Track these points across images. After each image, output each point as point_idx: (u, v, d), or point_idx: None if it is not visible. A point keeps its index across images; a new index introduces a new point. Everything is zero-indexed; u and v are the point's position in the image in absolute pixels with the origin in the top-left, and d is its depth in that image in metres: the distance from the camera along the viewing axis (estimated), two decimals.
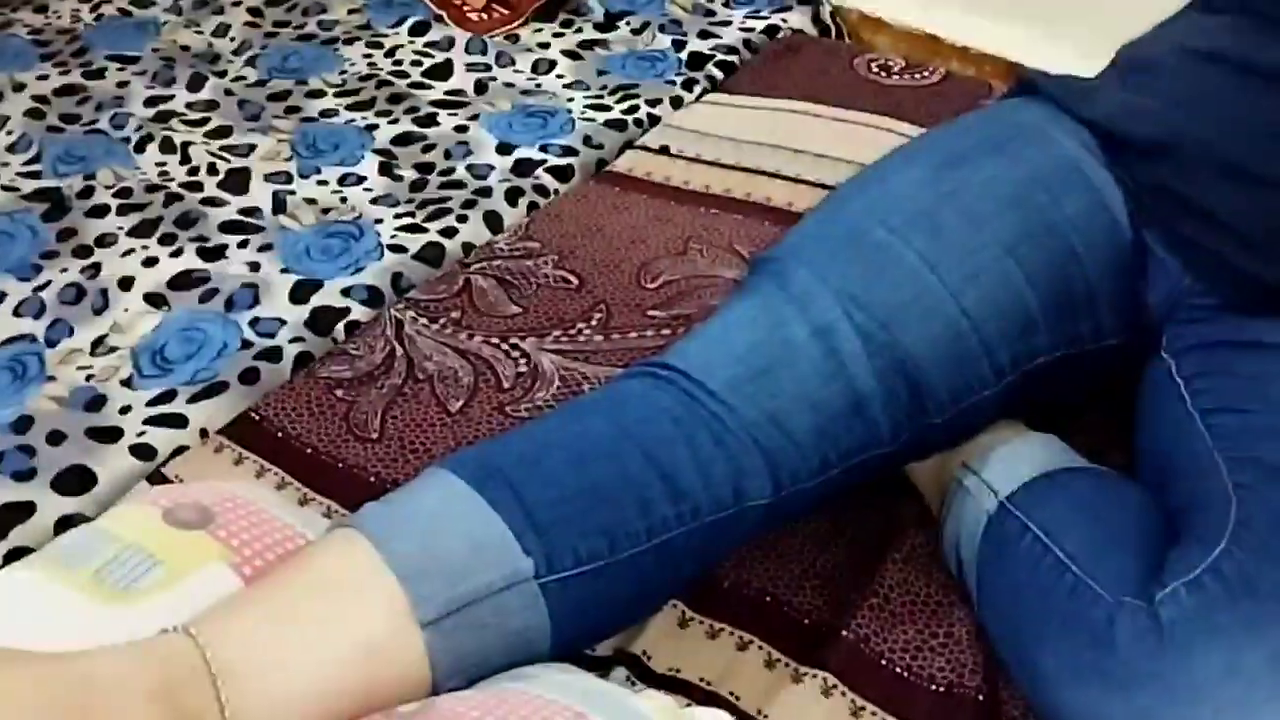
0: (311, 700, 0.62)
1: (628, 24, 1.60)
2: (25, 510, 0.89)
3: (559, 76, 1.50)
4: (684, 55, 1.52)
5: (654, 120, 1.39)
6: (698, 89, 1.45)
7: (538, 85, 1.48)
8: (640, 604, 0.76)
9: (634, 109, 1.40)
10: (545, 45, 1.57)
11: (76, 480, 0.92)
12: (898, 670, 0.77)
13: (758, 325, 0.78)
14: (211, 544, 0.70)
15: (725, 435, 0.74)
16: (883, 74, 1.46)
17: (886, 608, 0.81)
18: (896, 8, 1.69)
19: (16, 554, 0.86)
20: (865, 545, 0.87)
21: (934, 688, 0.76)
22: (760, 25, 1.58)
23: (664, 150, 1.33)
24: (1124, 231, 0.82)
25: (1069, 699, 0.68)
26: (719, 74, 1.48)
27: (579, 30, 1.60)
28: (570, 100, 1.43)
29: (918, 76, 1.45)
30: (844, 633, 0.79)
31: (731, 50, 1.52)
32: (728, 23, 1.59)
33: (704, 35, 1.56)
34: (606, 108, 1.41)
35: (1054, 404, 0.88)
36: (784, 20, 1.59)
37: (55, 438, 0.96)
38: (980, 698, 0.75)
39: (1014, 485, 0.79)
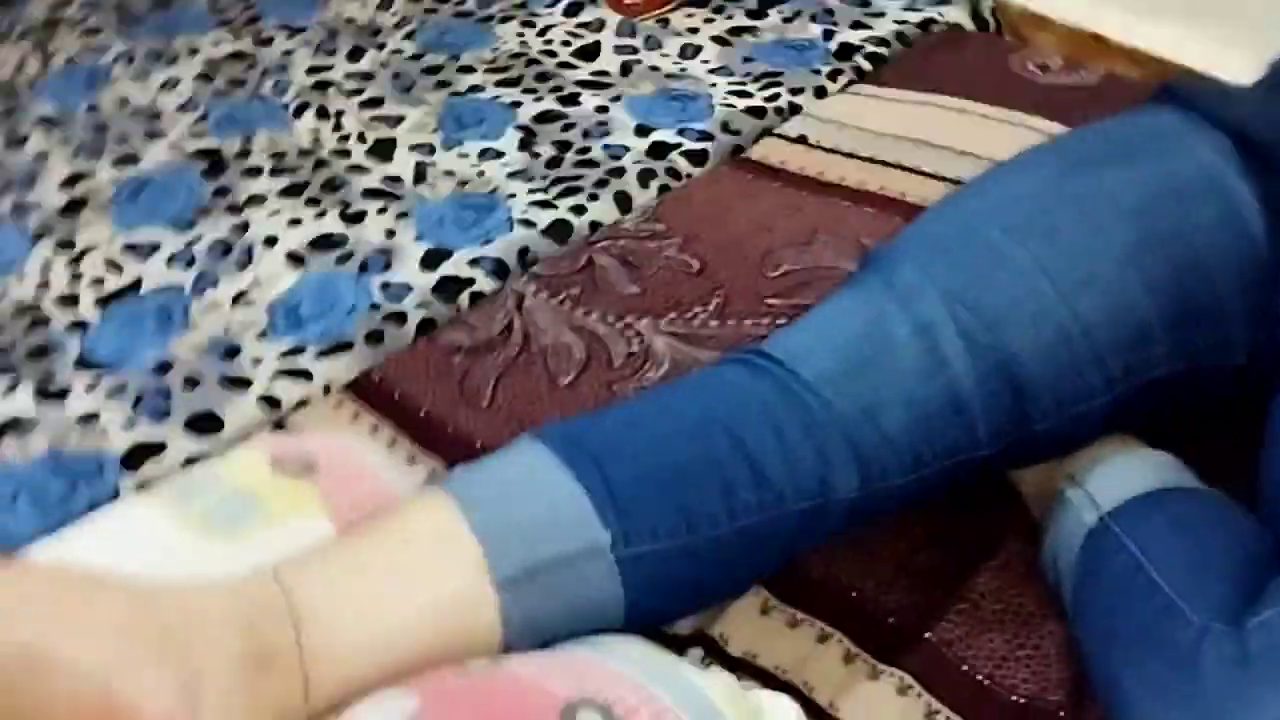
0: (385, 649, 0.65)
1: (780, 12, 1.59)
2: (157, 448, 0.95)
3: (704, 62, 1.50)
4: (833, 45, 1.50)
5: (795, 109, 1.38)
6: (843, 79, 1.44)
7: (682, 70, 1.49)
8: (718, 586, 0.76)
9: (775, 97, 1.39)
10: (695, 30, 1.58)
11: (205, 424, 0.97)
12: (979, 678, 0.75)
13: (859, 319, 0.77)
14: (312, 493, 0.74)
15: (815, 427, 0.73)
16: (1039, 72, 1.41)
17: (975, 614, 0.79)
18: (1062, 5, 1.63)
19: (146, 487, 0.91)
20: (961, 550, 0.85)
21: (1015, 699, 0.74)
22: (916, 18, 1.55)
23: (801, 140, 1.32)
24: (1259, 245, 0.78)
25: None
26: (867, 65, 1.46)
27: (730, 17, 1.60)
28: (713, 86, 1.44)
29: (1076, 77, 1.40)
30: (927, 635, 0.78)
31: (882, 42, 1.50)
32: (882, 14, 1.57)
33: (856, 26, 1.54)
34: (748, 94, 1.41)
35: (1172, 422, 0.84)
36: (940, 14, 1.56)
37: (190, 383, 1.02)
38: (1061, 714, 0.73)
39: (1117, 501, 0.76)
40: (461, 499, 0.69)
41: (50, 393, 1.01)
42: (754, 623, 0.80)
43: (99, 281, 1.14)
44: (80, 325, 1.09)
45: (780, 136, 1.33)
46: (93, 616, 0.57)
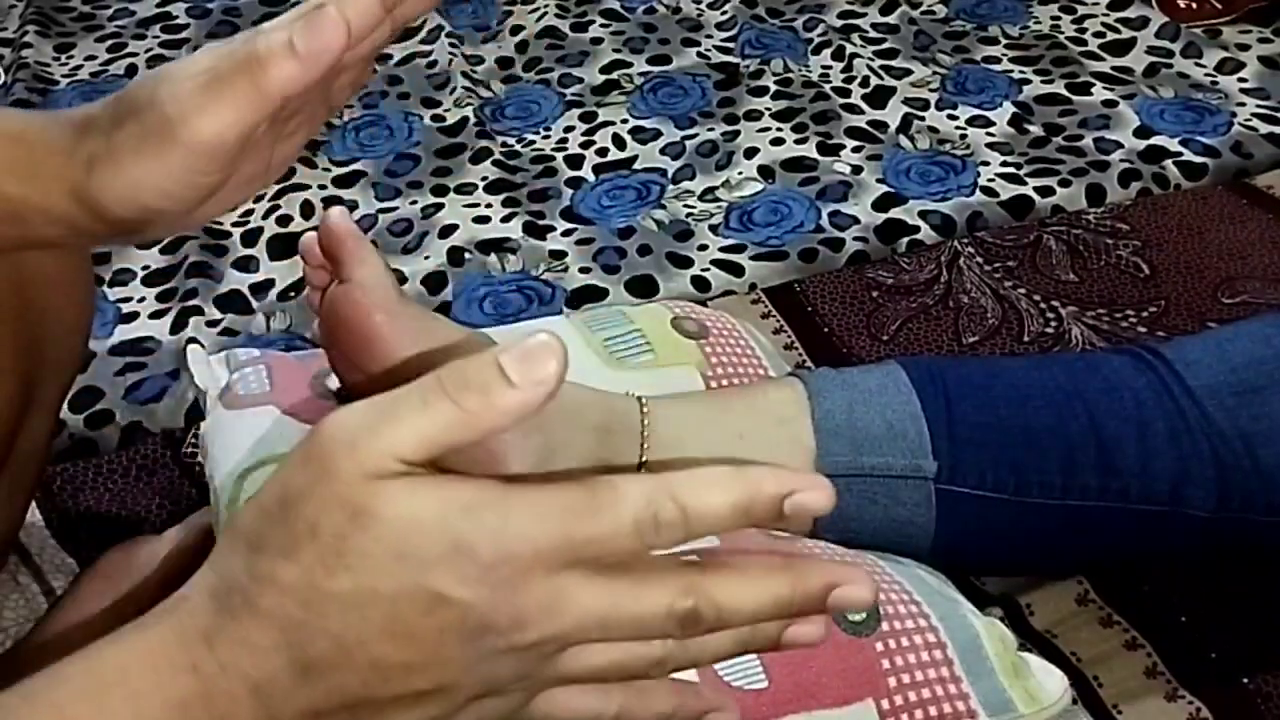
0: None
1: None
2: (601, 293, 1.10)
3: (1241, 80, 1.41)
4: None
5: None
6: None
7: (1213, 83, 1.41)
8: (1033, 556, 0.77)
9: None
10: (1244, 47, 1.48)
11: (643, 286, 1.10)
12: None
13: (1269, 344, 0.74)
14: (696, 352, 0.83)
15: (1183, 435, 0.72)
16: None
17: None
18: None
19: None
20: None
21: None
22: None
23: None
24: None
25: None
26: None
27: None
28: (1240, 105, 1.35)
29: None
30: (1245, 680, 0.74)
31: None
32: None
33: None
34: (1277, 121, 1.32)
35: None
36: None
37: (643, 250, 1.15)
38: None
39: None
40: (813, 392, 0.75)
41: (536, 227, 1.19)
42: (1066, 607, 0.80)
43: (603, 151, 1.31)
44: (577, 182, 1.26)
45: None
46: None
